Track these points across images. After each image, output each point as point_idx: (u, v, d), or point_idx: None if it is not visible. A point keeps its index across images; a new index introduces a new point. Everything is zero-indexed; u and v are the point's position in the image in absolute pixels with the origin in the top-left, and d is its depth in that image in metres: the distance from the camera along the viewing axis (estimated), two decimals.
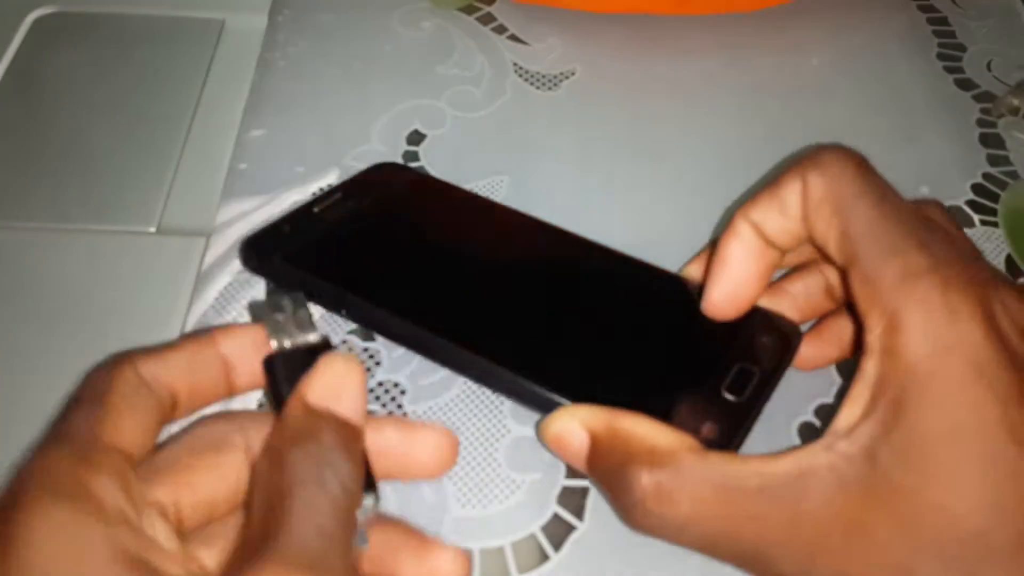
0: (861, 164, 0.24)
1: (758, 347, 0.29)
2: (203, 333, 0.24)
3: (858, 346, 0.25)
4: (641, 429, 0.23)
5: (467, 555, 0.24)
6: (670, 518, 0.22)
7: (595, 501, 0.28)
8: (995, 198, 0.37)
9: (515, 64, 0.42)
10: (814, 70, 0.43)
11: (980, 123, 0.40)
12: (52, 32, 0.44)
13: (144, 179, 0.38)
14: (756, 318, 0.30)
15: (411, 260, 0.32)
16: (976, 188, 0.38)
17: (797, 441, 0.30)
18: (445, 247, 0.33)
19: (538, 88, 0.41)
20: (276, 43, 0.42)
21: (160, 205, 0.37)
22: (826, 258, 0.25)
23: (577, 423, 0.24)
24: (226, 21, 0.45)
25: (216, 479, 0.22)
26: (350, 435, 0.22)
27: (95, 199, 0.37)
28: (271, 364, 0.24)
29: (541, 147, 0.39)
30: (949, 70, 0.43)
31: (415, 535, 0.24)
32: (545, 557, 0.27)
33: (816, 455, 0.21)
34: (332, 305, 0.31)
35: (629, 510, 0.23)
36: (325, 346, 0.24)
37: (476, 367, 0.29)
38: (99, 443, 0.21)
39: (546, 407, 0.27)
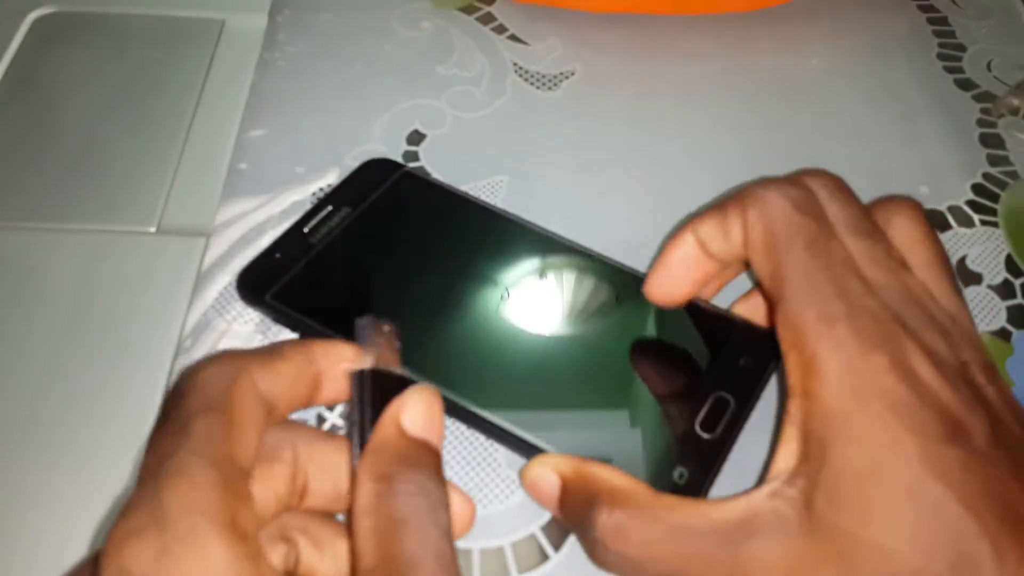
0: (800, 203, 0.25)
1: (735, 370, 0.30)
2: (304, 345, 0.24)
3: (784, 387, 0.26)
4: (605, 473, 0.24)
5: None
6: (626, 555, 0.23)
7: None
8: (995, 198, 0.37)
9: (515, 64, 0.42)
10: (814, 70, 0.43)
11: (980, 123, 0.40)
12: (52, 32, 0.44)
13: (144, 179, 0.38)
14: (736, 333, 0.31)
15: (398, 292, 0.32)
16: (976, 188, 0.38)
17: None
18: (433, 270, 0.33)
19: (538, 88, 0.41)
20: (276, 43, 0.42)
21: (160, 205, 0.37)
22: (760, 289, 0.26)
23: (549, 469, 0.25)
24: (226, 21, 0.45)
25: (267, 491, 0.22)
26: (439, 465, 0.23)
27: (95, 199, 0.37)
28: (361, 379, 0.24)
29: (541, 147, 0.39)
30: (949, 70, 0.43)
31: None
32: (545, 557, 0.27)
33: (762, 501, 0.22)
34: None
35: (592, 547, 0.24)
36: (407, 381, 0.24)
37: (455, 411, 0.29)
38: (237, 467, 0.21)
39: (527, 452, 0.28)
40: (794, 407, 0.23)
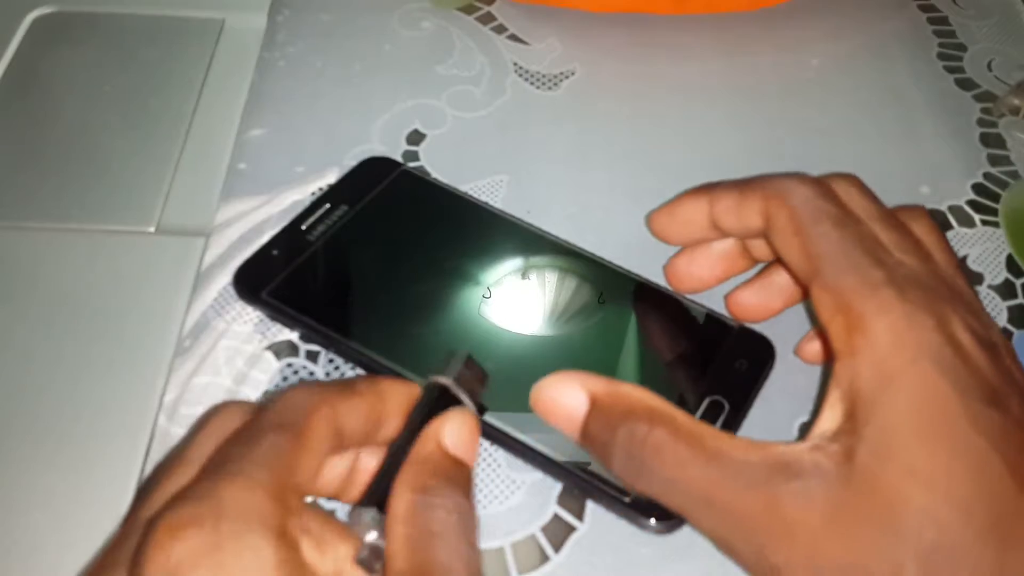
0: (825, 192, 0.26)
1: (730, 374, 0.30)
2: (376, 383, 0.25)
3: (828, 357, 0.26)
4: (640, 393, 0.24)
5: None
6: (660, 475, 0.23)
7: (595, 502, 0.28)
8: (996, 198, 0.37)
9: (515, 64, 0.42)
10: (814, 70, 0.43)
11: (981, 123, 0.40)
12: (52, 32, 0.44)
13: (144, 179, 0.38)
14: (731, 337, 0.31)
15: (395, 291, 0.32)
16: (977, 188, 0.38)
17: None
18: (430, 268, 0.33)
19: (538, 88, 0.41)
20: (276, 43, 0.42)
21: (160, 205, 0.37)
22: (790, 272, 0.26)
23: (575, 386, 0.24)
24: (226, 21, 0.45)
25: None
26: (472, 487, 0.23)
27: (95, 199, 0.37)
28: (431, 391, 0.25)
29: (541, 147, 0.39)
30: (949, 70, 0.43)
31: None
32: (545, 558, 0.27)
33: (802, 452, 0.22)
34: (318, 343, 0.31)
35: (624, 464, 0.23)
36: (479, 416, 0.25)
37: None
38: (295, 484, 0.21)
39: (525, 454, 0.28)
40: (840, 368, 0.23)
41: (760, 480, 0.22)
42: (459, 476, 0.23)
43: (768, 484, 0.22)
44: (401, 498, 0.22)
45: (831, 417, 0.23)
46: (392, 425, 0.25)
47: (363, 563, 0.21)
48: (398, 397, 0.25)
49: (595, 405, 0.24)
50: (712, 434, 0.23)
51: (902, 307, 0.22)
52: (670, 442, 0.23)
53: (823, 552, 0.21)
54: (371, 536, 0.22)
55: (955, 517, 0.20)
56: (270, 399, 0.23)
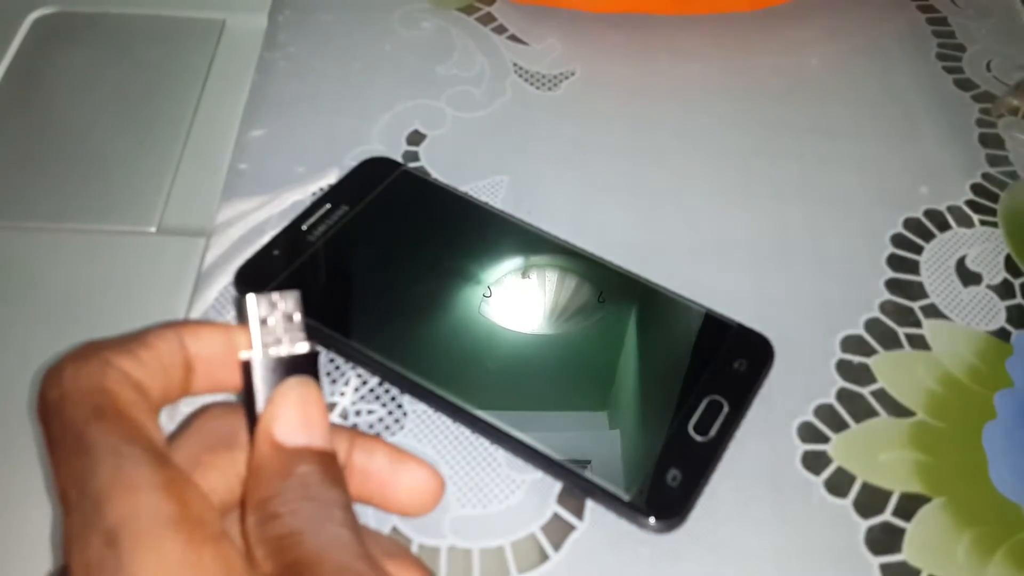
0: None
1: (730, 373, 0.30)
2: (171, 330, 0.22)
3: None
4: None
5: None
6: None
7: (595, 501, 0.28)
8: (995, 198, 0.37)
9: (515, 64, 0.42)
10: (814, 70, 0.43)
11: (980, 123, 0.40)
12: (52, 32, 0.44)
13: (144, 179, 0.38)
14: (730, 337, 0.31)
15: (395, 291, 0.32)
16: (976, 188, 0.38)
17: (797, 441, 0.30)
18: (430, 268, 0.33)
19: (538, 88, 0.41)
20: (276, 43, 0.43)
21: (160, 205, 0.37)
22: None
23: None
24: (226, 21, 0.45)
25: (231, 477, 0.22)
26: (329, 462, 0.21)
27: (95, 199, 0.37)
28: (248, 369, 0.22)
29: (541, 147, 0.39)
30: (949, 70, 0.43)
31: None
32: (545, 557, 0.27)
33: None
34: (318, 342, 0.31)
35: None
36: (312, 357, 0.22)
37: (448, 409, 0.29)
38: (160, 455, 0.19)
39: (523, 453, 0.28)
40: None
41: None
42: (302, 467, 0.20)
43: None
44: (248, 522, 0.20)
45: None
46: (207, 376, 0.22)
47: None
48: (207, 341, 0.22)
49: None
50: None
51: None
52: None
53: None
54: None
55: None
56: (48, 384, 0.21)
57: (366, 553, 0.19)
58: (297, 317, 0.22)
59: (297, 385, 0.21)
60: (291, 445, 0.21)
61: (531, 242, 0.34)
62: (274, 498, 0.20)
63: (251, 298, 0.22)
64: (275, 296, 0.22)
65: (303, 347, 0.22)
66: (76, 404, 0.20)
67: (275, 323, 0.22)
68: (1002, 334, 0.33)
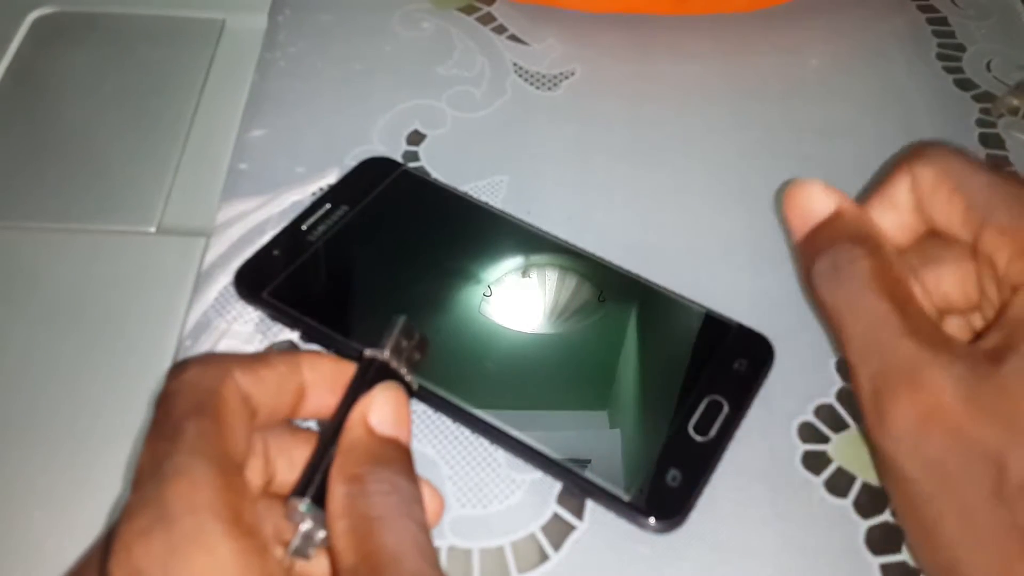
0: (961, 152, 0.26)
1: (730, 374, 0.30)
2: (291, 355, 0.24)
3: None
4: (871, 224, 0.26)
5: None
6: (847, 291, 0.24)
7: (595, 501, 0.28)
8: None
9: (515, 64, 0.42)
10: (814, 70, 0.43)
11: (980, 123, 0.40)
12: (52, 32, 0.44)
13: (144, 179, 0.38)
14: (731, 337, 0.31)
15: (395, 291, 0.32)
16: None
17: (797, 441, 0.30)
18: (430, 268, 0.33)
19: (538, 88, 0.41)
20: (276, 43, 0.43)
21: (160, 205, 0.37)
22: (950, 238, 0.26)
23: (829, 196, 0.26)
24: (226, 21, 0.45)
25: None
26: (410, 459, 0.23)
27: (95, 199, 0.37)
28: (367, 367, 0.24)
29: (541, 147, 0.39)
30: (949, 70, 0.43)
31: None
32: (545, 557, 0.27)
33: (964, 343, 0.23)
34: (318, 342, 0.31)
35: (825, 269, 0.25)
36: (410, 390, 0.24)
37: (448, 409, 0.29)
38: (234, 464, 0.21)
39: (523, 452, 0.28)
40: (1017, 299, 0.23)
41: (919, 337, 0.23)
42: (392, 456, 0.22)
43: (922, 344, 0.23)
44: (335, 492, 0.21)
45: (995, 335, 0.23)
46: (316, 401, 0.24)
47: (297, 553, 0.21)
48: (321, 370, 0.24)
49: (837, 215, 0.26)
50: (906, 290, 0.24)
51: None
52: (871, 273, 0.24)
53: (938, 415, 0.22)
54: (305, 526, 0.21)
55: None
56: (171, 378, 0.22)
57: (437, 561, 0.21)
58: (417, 357, 0.25)
59: (395, 388, 0.24)
60: (381, 433, 0.23)
61: (531, 242, 0.34)
62: (365, 476, 0.21)
63: (403, 319, 0.25)
64: (417, 332, 0.25)
65: (412, 381, 0.24)
66: (185, 398, 0.22)
67: (405, 348, 0.25)
68: None
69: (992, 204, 0.24)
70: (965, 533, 0.22)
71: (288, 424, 0.24)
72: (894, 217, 0.27)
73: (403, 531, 0.21)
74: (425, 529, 0.21)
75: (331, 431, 0.23)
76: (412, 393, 0.24)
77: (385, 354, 0.24)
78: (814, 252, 0.26)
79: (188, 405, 0.21)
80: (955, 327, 0.26)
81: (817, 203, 0.26)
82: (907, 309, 0.24)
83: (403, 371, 0.24)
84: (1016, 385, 0.22)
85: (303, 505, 0.21)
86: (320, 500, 0.21)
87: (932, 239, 0.27)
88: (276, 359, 0.24)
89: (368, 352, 0.24)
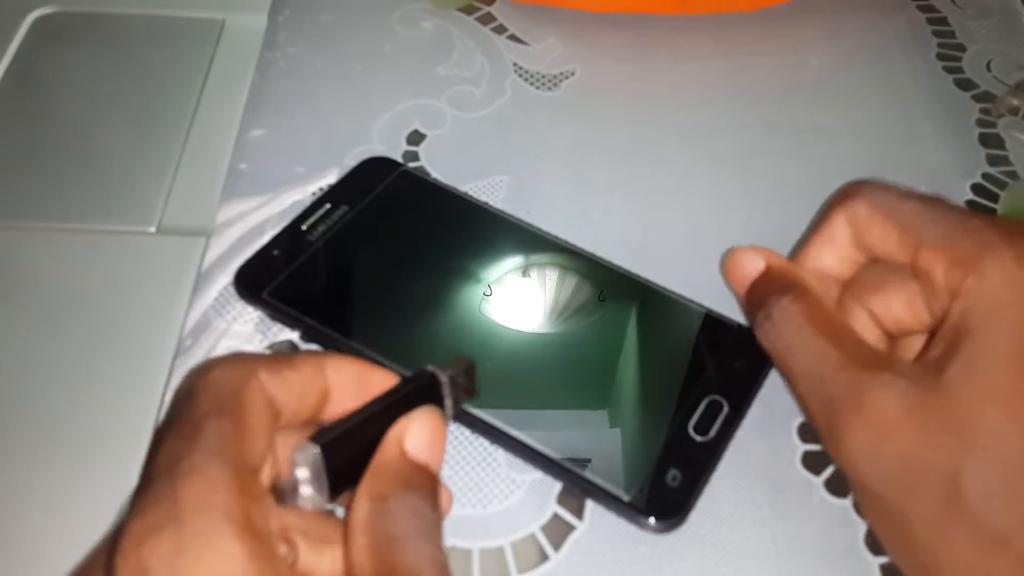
0: (890, 185, 0.28)
1: (730, 374, 0.30)
2: (317, 358, 0.24)
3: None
4: (803, 273, 0.28)
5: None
6: (784, 337, 0.26)
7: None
8: (995, 198, 0.37)
9: (515, 64, 0.42)
10: (813, 70, 0.43)
11: (980, 123, 0.40)
12: (52, 32, 0.44)
13: (144, 179, 0.38)
14: (731, 337, 0.31)
15: (394, 291, 0.32)
16: (976, 188, 0.38)
17: (797, 441, 0.30)
18: (429, 268, 0.33)
19: (538, 88, 0.41)
20: (276, 43, 0.43)
21: (160, 205, 0.37)
22: (892, 263, 0.27)
23: (757, 257, 0.28)
24: (226, 21, 0.45)
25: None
26: (437, 488, 0.23)
27: (95, 199, 0.37)
28: (423, 377, 0.25)
29: (541, 147, 0.39)
30: (949, 70, 0.43)
31: None
32: (545, 557, 0.27)
33: (903, 359, 0.25)
34: (318, 342, 0.31)
35: (762, 321, 0.27)
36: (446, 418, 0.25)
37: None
38: (250, 467, 0.21)
39: (522, 452, 0.28)
40: (953, 308, 0.24)
41: (857, 362, 0.24)
42: (420, 483, 0.23)
43: (861, 368, 0.24)
44: (359, 508, 0.22)
45: (936, 346, 0.24)
46: (340, 403, 0.24)
47: (277, 491, 0.22)
48: (346, 373, 0.25)
49: (767, 271, 0.28)
50: (838, 323, 0.26)
51: (1011, 250, 0.24)
52: (802, 316, 0.26)
53: (891, 438, 0.23)
54: (301, 473, 0.22)
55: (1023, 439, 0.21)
56: (195, 375, 0.23)
57: None
58: (462, 398, 0.26)
59: (435, 415, 0.24)
60: (414, 458, 0.23)
61: (531, 242, 0.34)
62: (391, 497, 0.22)
63: (473, 363, 0.26)
64: (476, 382, 0.26)
65: (449, 415, 0.25)
66: (207, 396, 0.22)
67: (459, 384, 0.26)
68: None
69: (922, 225, 0.26)
70: (934, 537, 0.22)
71: (303, 425, 0.24)
72: (834, 252, 0.28)
73: (422, 552, 0.21)
74: (444, 552, 0.21)
75: (373, 411, 0.23)
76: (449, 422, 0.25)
77: (444, 378, 0.25)
78: (753, 307, 0.28)
79: (210, 405, 0.22)
80: (914, 348, 0.27)
81: (748, 264, 0.28)
82: (841, 340, 0.25)
83: (448, 402, 0.25)
84: (959, 390, 0.22)
85: (310, 450, 0.22)
86: (331, 455, 0.22)
87: (875, 267, 0.28)
88: (302, 361, 0.24)
89: (431, 367, 0.25)
